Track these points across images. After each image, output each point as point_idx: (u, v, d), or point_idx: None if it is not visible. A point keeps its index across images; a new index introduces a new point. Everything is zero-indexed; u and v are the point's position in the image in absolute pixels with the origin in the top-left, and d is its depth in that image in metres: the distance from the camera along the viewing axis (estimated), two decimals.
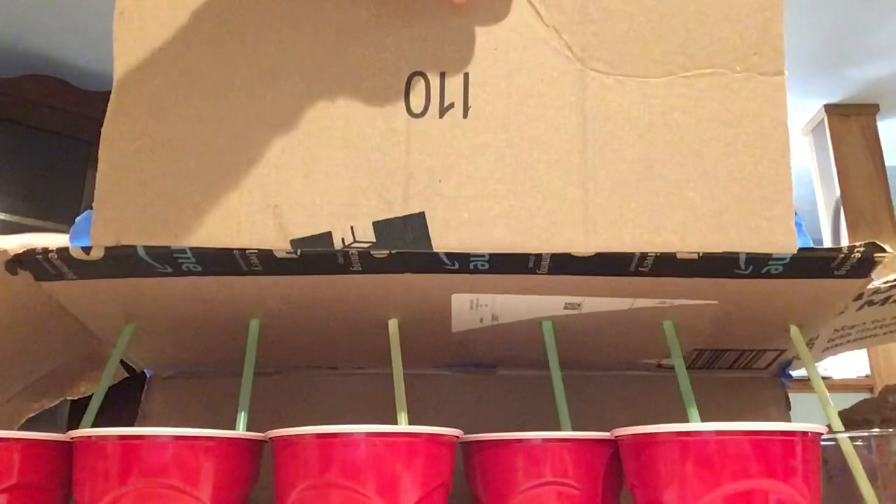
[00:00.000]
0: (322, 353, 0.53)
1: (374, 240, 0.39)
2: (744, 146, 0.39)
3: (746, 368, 0.54)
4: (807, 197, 2.60)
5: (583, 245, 0.39)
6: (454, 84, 0.41)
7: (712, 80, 0.40)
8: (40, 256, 0.40)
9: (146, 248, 0.39)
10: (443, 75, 0.41)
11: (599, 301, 0.43)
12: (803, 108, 2.47)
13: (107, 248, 0.40)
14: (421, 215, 0.39)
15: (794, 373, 0.55)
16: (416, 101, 0.41)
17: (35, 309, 0.45)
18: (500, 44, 0.41)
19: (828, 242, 2.43)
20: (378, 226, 0.39)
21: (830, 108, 2.44)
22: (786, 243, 0.38)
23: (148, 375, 0.57)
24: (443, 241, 0.39)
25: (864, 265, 0.39)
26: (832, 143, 2.42)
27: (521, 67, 0.41)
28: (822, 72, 2.26)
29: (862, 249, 0.38)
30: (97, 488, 0.36)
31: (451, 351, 0.51)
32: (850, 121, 2.44)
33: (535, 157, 0.40)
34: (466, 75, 0.41)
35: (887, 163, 2.40)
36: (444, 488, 0.37)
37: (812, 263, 0.39)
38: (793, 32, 2.04)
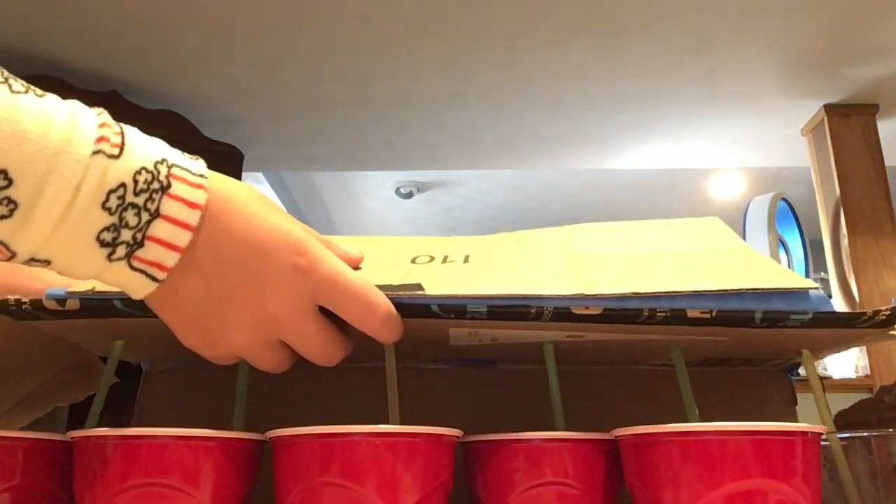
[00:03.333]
0: None
1: None
2: (704, 234, 0.53)
3: (754, 366, 0.54)
4: (807, 197, 2.60)
5: (583, 292, 0.41)
6: (455, 258, 0.49)
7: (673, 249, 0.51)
8: (13, 307, 0.41)
9: (122, 300, 0.40)
10: (446, 256, 0.49)
11: (604, 335, 0.44)
12: (803, 108, 2.47)
13: (82, 300, 0.40)
14: (417, 284, 0.41)
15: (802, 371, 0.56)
16: (421, 259, 0.48)
17: (19, 329, 0.45)
18: (494, 249, 0.53)
19: (827, 243, 2.43)
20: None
21: (830, 108, 2.44)
22: (796, 280, 0.40)
23: (144, 370, 0.57)
24: (437, 292, 0.41)
25: (888, 321, 0.40)
26: (832, 143, 2.41)
27: (514, 253, 0.52)
28: (822, 72, 2.26)
29: (888, 314, 0.39)
30: (97, 488, 0.36)
31: (450, 352, 0.51)
32: (850, 121, 2.44)
33: (530, 269, 0.47)
34: (468, 256, 0.49)
35: (887, 163, 2.40)
36: (444, 488, 0.37)
37: (833, 320, 0.40)
38: (793, 32, 2.04)
